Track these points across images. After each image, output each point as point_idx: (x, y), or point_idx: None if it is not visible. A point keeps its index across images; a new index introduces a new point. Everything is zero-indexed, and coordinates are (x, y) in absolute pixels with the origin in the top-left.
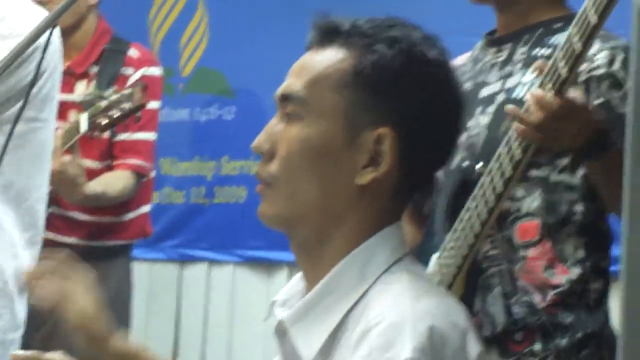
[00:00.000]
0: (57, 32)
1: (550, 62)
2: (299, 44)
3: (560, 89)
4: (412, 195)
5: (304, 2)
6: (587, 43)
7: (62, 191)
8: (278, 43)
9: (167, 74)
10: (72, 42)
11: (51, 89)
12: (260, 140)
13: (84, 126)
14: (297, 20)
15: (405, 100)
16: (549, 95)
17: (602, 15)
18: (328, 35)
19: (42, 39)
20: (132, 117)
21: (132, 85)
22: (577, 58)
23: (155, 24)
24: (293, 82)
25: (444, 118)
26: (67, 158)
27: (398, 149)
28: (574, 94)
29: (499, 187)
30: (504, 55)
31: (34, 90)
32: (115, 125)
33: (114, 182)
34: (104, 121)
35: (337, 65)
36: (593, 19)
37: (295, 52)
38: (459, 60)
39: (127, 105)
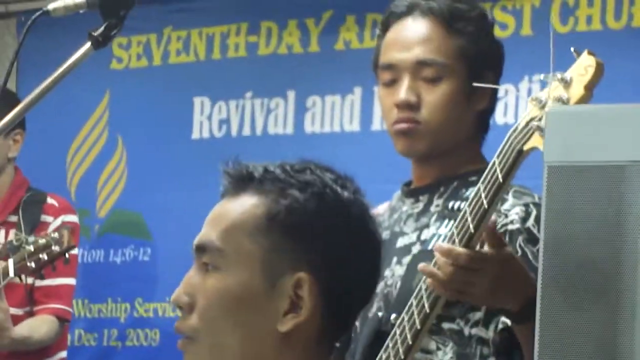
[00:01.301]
0: None
1: (460, 215)
2: (217, 189)
3: (467, 243)
4: (337, 338)
5: (223, 146)
6: (493, 200)
7: None
8: (197, 187)
9: (83, 215)
10: None
11: None
12: (178, 293)
13: (11, 271)
14: (216, 164)
15: (321, 243)
16: (457, 248)
17: (507, 174)
18: (241, 182)
19: None
20: (60, 260)
21: (58, 229)
22: (484, 214)
23: (74, 164)
24: (208, 231)
25: (361, 258)
26: None
27: (317, 293)
28: (507, 249)
29: (409, 339)
30: (420, 206)
31: None
32: (42, 268)
33: (39, 326)
34: (32, 265)
35: (251, 211)
36: (499, 177)
37: (214, 197)
38: (380, 209)
39: (55, 249)
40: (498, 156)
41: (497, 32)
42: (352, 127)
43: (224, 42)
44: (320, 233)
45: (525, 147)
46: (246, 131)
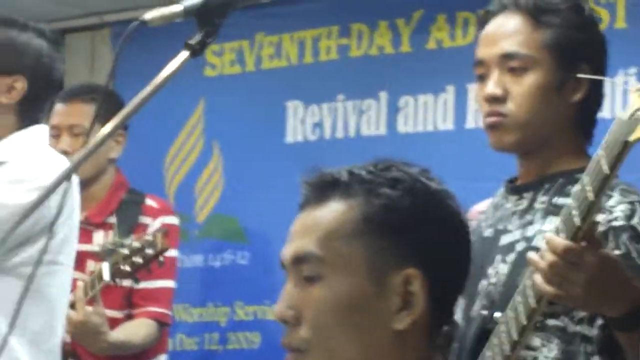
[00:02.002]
0: (75, 179)
1: (565, 209)
2: None
3: (574, 237)
4: (440, 332)
5: (317, 149)
6: (599, 193)
7: (85, 341)
8: (292, 190)
9: (182, 220)
10: (91, 193)
11: (68, 233)
12: (281, 308)
13: (106, 275)
14: (309, 168)
15: (420, 237)
16: (557, 237)
17: (613, 166)
18: (324, 189)
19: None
20: (155, 263)
21: (153, 232)
22: (590, 207)
23: (171, 170)
24: (303, 242)
25: (458, 247)
26: (89, 308)
27: (427, 286)
28: (608, 252)
29: (514, 336)
30: (524, 203)
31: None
32: (137, 271)
33: (137, 330)
34: (127, 268)
35: (345, 216)
36: (605, 169)
37: None
38: (482, 206)
39: (149, 252)
40: (603, 148)
41: None
42: (446, 125)
43: (315, 46)
44: (418, 227)
45: (631, 138)
46: (339, 134)
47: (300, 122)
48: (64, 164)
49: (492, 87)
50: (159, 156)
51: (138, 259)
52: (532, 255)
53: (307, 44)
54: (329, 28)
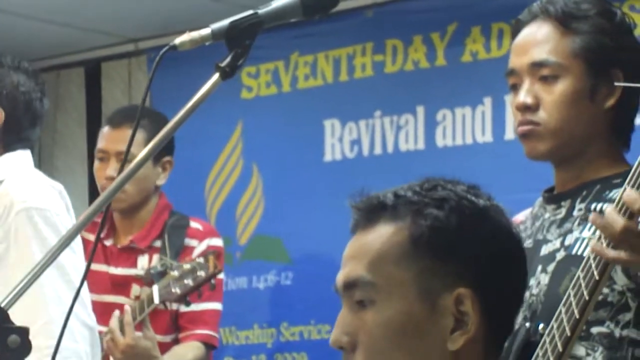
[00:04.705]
0: (60, 186)
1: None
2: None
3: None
4: (501, 348)
5: (356, 166)
6: None
7: None
8: (333, 209)
9: (225, 243)
10: (137, 219)
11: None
12: (336, 334)
13: (156, 298)
14: (352, 186)
15: (471, 255)
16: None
17: None
18: (372, 213)
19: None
20: (207, 285)
21: (204, 254)
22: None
23: (212, 194)
24: (354, 268)
25: (511, 263)
26: (139, 333)
27: (479, 305)
28: None
29: (559, 347)
30: (562, 212)
31: None
32: (188, 294)
33: (185, 353)
34: (177, 291)
35: (393, 239)
36: None
37: (349, 217)
38: (521, 216)
39: (200, 274)
40: None
41: None
42: (485, 138)
43: (350, 64)
44: (467, 246)
45: None
46: (377, 150)
47: (338, 140)
48: (46, 187)
49: (523, 96)
50: (199, 181)
51: (189, 281)
52: (596, 216)
53: (342, 61)
54: (363, 45)
